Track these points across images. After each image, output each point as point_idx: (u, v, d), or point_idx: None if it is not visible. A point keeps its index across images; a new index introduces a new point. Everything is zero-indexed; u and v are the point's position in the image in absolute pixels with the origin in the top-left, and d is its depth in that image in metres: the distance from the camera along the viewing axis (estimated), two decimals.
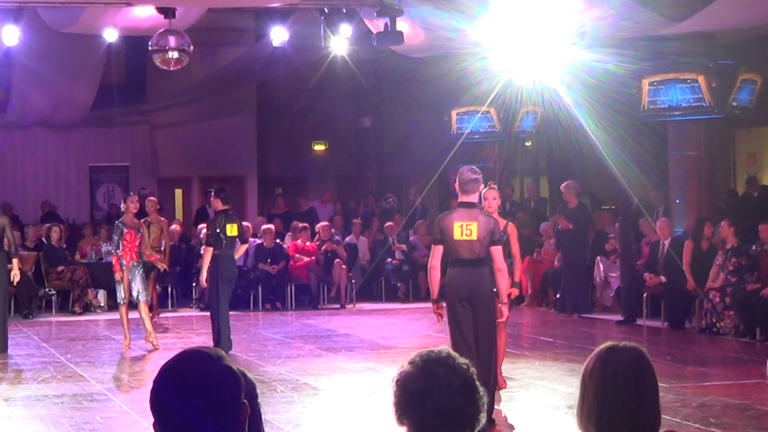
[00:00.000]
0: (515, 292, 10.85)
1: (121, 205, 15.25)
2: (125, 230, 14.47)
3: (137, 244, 14.57)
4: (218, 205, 14.27)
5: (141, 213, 15.67)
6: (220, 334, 13.98)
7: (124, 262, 14.43)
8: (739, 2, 14.50)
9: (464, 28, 16.34)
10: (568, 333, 16.33)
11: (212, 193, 14.54)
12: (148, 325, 14.60)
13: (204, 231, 15.04)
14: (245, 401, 2.75)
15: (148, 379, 12.01)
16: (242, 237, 14.49)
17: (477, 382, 2.98)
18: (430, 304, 18.51)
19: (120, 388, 12.16)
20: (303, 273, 20.15)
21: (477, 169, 9.72)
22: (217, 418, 2.67)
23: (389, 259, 21.28)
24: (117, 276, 14.57)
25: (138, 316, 14.63)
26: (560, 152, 21.09)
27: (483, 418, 2.99)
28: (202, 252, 14.85)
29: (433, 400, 2.90)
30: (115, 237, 14.65)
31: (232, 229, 14.06)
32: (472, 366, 3.02)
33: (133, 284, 14.43)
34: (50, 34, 18.72)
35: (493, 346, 9.75)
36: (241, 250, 14.74)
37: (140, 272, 14.52)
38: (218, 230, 14.00)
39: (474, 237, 9.45)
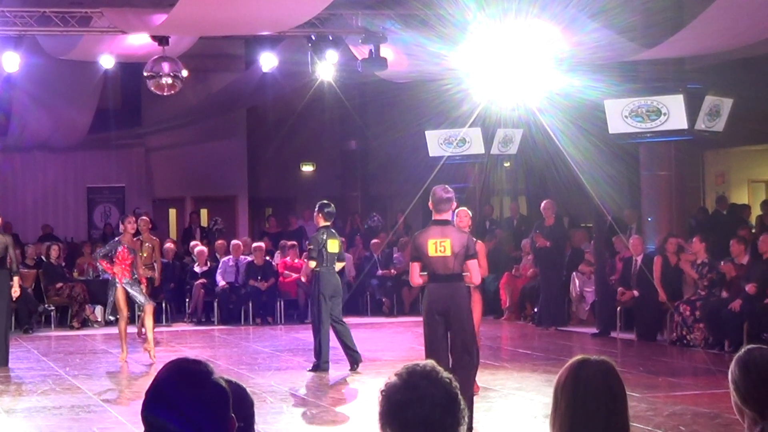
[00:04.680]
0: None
1: (120, 226, 15.42)
2: (119, 248, 14.76)
3: (130, 263, 14.78)
4: (320, 221, 14.00)
5: (135, 232, 15.89)
6: (320, 352, 13.84)
7: (117, 279, 14.73)
8: (705, 30, 14.76)
9: (445, 53, 16.54)
10: (546, 345, 16.52)
11: (315, 209, 14.15)
12: (150, 335, 14.87)
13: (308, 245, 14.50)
14: (233, 415, 2.80)
15: (142, 391, 12.12)
16: (340, 255, 14.15)
17: (459, 396, 3.00)
18: (413, 318, 19.12)
19: (116, 399, 12.39)
20: (292, 289, 20.39)
21: (450, 189, 9.84)
22: (206, 431, 2.73)
23: (380, 271, 21.50)
24: (109, 273, 14.93)
25: (135, 330, 14.97)
26: (538, 172, 21.41)
27: (463, 431, 3.02)
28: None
29: (415, 411, 2.92)
30: (108, 247, 15.02)
31: (333, 246, 13.81)
32: (455, 380, 3.04)
33: (135, 298, 14.78)
34: (49, 61, 18.96)
35: (471, 358, 9.84)
36: (338, 267, 14.18)
37: (137, 286, 14.82)
38: (321, 246, 13.80)
39: (448, 253, 9.59)
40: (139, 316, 17.77)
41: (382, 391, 3.03)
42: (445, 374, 3.03)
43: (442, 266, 9.67)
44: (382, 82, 20.22)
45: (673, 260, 16.60)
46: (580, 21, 15.30)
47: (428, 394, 2.95)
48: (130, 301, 15.06)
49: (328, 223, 14.01)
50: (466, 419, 3.04)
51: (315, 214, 14.19)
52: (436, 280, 9.74)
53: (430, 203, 9.92)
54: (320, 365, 13.82)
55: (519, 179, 24.03)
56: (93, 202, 25.96)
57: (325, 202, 14.28)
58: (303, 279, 14.25)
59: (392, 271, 21.63)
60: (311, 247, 13.91)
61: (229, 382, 2.94)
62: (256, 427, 3.47)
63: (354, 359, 13.92)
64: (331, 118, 26.44)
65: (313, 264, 13.76)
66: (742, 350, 3.83)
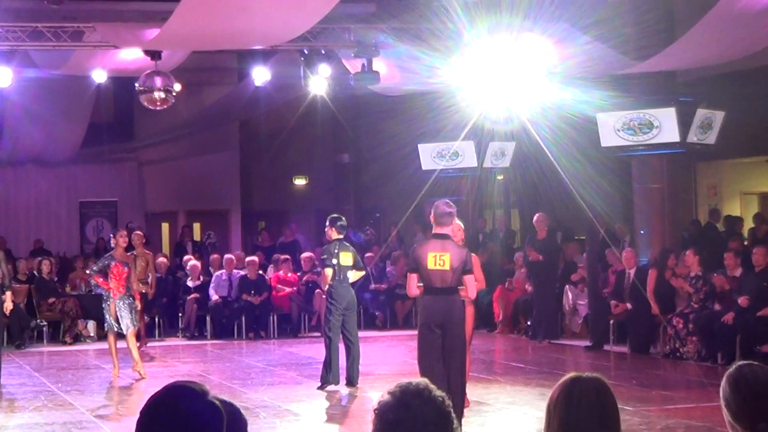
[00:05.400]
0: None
1: (111, 241, 15.27)
2: (113, 263, 14.63)
3: (125, 277, 14.65)
4: (333, 234, 13.84)
5: (128, 247, 15.86)
6: (330, 367, 13.70)
7: (112, 295, 14.59)
8: (697, 44, 14.86)
9: (438, 66, 16.65)
10: (539, 358, 16.50)
11: (327, 223, 14.02)
12: (135, 355, 14.71)
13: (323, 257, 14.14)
14: None
15: (135, 407, 12.02)
16: (358, 265, 14.01)
17: (452, 415, 2.98)
18: (406, 332, 19.09)
19: (108, 416, 12.28)
20: (285, 303, 20.39)
21: (451, 204, 10.06)
22: None
23: (372, 285, 21.37)
24: (104, 289, 14.73)
25: (126, 346, 14.67)
26: (531, 185, 21.43)
27: None
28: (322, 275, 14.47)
29: (406, 430, 2.92)
30: (101, 263, 14.88)
31: (346, 258, 13.69)
32: (448, 399, 3.03)
33: (120, 316, 14.53)
34: (41, 75, 18.95)
35: (463, 370, 10.07)
36: (356, 276, 14.08)
37: (128, 304, 14.59)
38: (334, 259, 13.64)
39: (447, 267, 9.77)
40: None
41: (375, 410, 3.01)
42: (438, 393, 3.01)
43: (439, 279, 9.84)
44: (374, 96, 20.31)
45: (669, 274, 16.60)
46: (572, 34, 15.36)
47: (420, 413, 2.94)
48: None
49: (341, 236, 13.90)
50: None
51: (327, 227, 14.06)
52: (433, 292, 9.90)
53: (431, 217, 10.10)
54: (329, 380, 13.68)
55: (512, 192, 24.05)
56: (85, 216, 26.00)
57: (336, 215, 14.23)
58: (324, 289, 14.12)
59: (383, 286, 21.59)
60: (325, 256, 13.79)
61: (223, 402, 2.87)
62: None
63: (350, 379, 13.84)
64: (324, 131, 26.56)
65: (329, 272, 13.59)
66: (733, 367, 3.85)
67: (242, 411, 3.15)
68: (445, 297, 9.86)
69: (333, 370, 13.67)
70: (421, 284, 10.02)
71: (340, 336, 13.80)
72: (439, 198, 10.56)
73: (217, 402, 2.78)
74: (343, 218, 14.22)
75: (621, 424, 3.45)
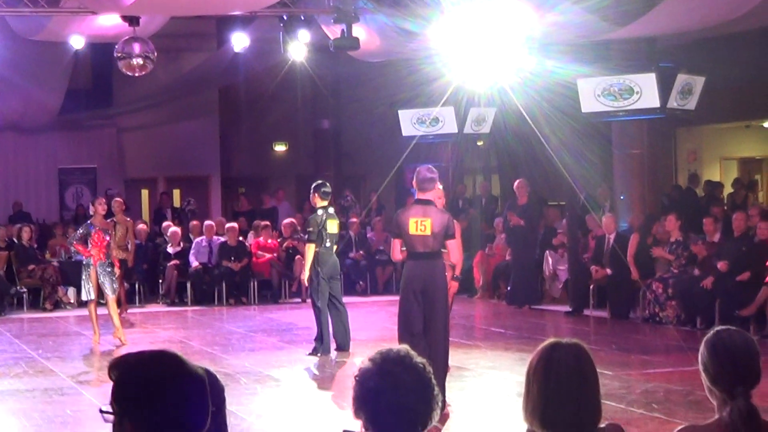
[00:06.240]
0: (455, 285, 11.07)
1: (90, 209, 15.25)
2: (93, 231, 14.62)
3: (105, 245, 14.66)
4: (317, 201, 13.71)
5: (108, 214, 15.84)
6: (321, 336, 13.60)
7: (93, 262, 14.61)
8: (677, 9, 14.83)
9: (418, 31, 16.74)
10: (519, 324, 16.57)
11: (311, 190, 13.85)
12: (116, 322, 14.74)
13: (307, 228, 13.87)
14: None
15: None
16: (335, 239, 13.80)
17: (433, 381, 3.01)
18: (386, 297, 19.05)
19: (89, 382, 12.36)
20: (265, 269, 20.43)
21: (434, 169, 10.08)
22: (180, 420, 2.67)
23: (351, 253, 21.37)
24: (84, 256, 14.71)
25: (106, 312, 14.70)
26: (511, 151, 21.48)
27: (436, 416, 3.04)
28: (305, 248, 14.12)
29: (387, 397, 2.95)
30: (81, 230, 14.82)
31: (332, 226, 13.56)
32: (429, 365, 3.05)
33: (102, 282, 14.55)
34: (19, 42, 18.80)
35: (446, 335, 10.08)
36: None
37: (109, 271, 14.63)
38: (320, 227, 13.51)
39: (428, 232, 9.80)
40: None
41: (355, 377, 3.04)
42: (419, 359, 3.03)
43: (421, 244, 9.88)
44: (354, 62, 20.14)
45: (650, 241, 16.65)
46: None
47: (401, 381, 2.97)
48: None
49: (326, 203, 13.74)
50: (440, 403, 3.05)
51: (311, 194, 13.92)
52: (415, 257, 9.94)
53: (414, 182, 10.15)
54: (319, 349, 13.63)
55: (492, 158, 24.07)
56: (65, 183, 25.88)
57: (321, 182, 14.10)
58: (305, 274, 13.68)
59: (360, 253, 21.57)
60: (310, 229, 13.58)
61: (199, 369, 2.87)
62: (228, 410, 3.40)
63: (341, 344, 13.80)
64: (304, 97, 26.49)
65: (313, 247, 13.47)
66: (711, 332, 3.88)
67: (221, 377, 3.16)
68: (427, 261, 9.88)
69: (324, 341, 13.61)
70: (405, 249, 10.06)
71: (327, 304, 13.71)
72: (420, 164, 10.59)
73: (197, 370, 2.74)
74: (328, 184, 14.10)
75: (600, 388, 3.47)
